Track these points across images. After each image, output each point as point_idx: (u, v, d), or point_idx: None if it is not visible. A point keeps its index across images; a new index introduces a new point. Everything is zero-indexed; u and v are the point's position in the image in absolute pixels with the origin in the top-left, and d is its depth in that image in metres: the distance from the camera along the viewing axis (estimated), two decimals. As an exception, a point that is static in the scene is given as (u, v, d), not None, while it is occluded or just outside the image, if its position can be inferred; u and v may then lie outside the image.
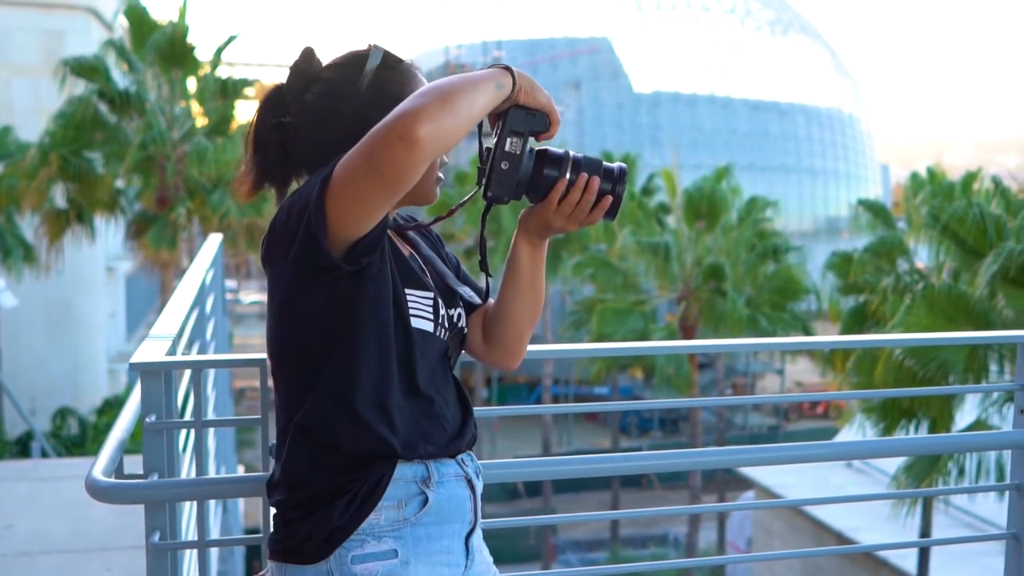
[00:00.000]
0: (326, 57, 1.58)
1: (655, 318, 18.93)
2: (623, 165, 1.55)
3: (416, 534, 1.47)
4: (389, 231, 1.53)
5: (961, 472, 9.13)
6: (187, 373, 2.59)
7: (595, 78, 34.73)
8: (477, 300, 1.70)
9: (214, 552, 4.63)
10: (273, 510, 1.52)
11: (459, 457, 1.55)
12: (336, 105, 1.52)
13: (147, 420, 1.98)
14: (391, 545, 1.45)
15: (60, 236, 14.40)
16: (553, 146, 1.55)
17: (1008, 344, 8.38)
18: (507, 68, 1.44)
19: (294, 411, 1.47)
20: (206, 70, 14.49)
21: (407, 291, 1.50)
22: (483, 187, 1.50)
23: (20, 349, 16.92)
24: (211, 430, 3.79)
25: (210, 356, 3.14)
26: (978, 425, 9.15)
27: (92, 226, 14.69)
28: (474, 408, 1.65)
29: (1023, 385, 2.53)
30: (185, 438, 2.82)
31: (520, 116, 1.47)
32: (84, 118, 13.54)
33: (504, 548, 16.23)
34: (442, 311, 1.56)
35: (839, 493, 11.67)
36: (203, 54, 14.55)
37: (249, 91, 14.43)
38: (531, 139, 1.50)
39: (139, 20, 14.57)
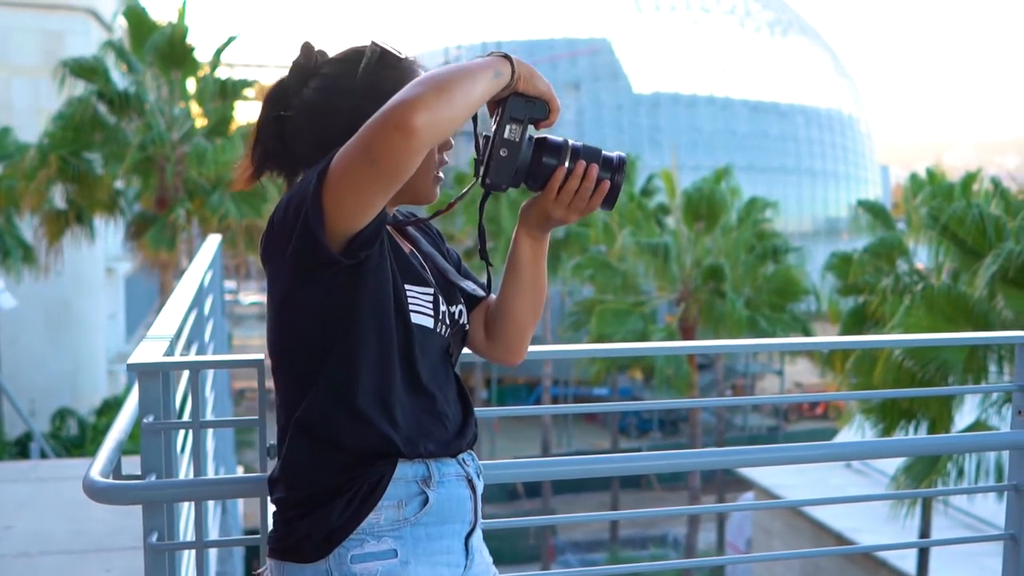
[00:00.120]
0: (327, 54, 1.58)
1: (654, 319, 18.94)
2: (622, 154, 1.55)
3: (416, 534, 1.47)
4: (389, 228, 1.53)
5: (960, 473, 9.14)
6: (185, 374, 2.59)
7: (595, 79, 34.74)
8: (480, 292, 1.69)
9: (213, 553, 4.63)
10: (273, 508, 1.52)
11: (460, 457, 1.55)
12: (334, 100, 1.52)
13: (145, 421, 1.98)
14: (391, 545, 1.44)
15: (59, 237, 14.40)
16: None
17: (1007, 345, 8.36)
18: (506, 56, 1.43)
19: (294, 408, 1.47)
20: (205, 71, 14.48)
21: (407, 287, 1.49)
22: (481, 175, 1.49)
23: (19, 350, 16.91)
24: (210, 431, 3.79)
25: (208, 357, 3.14)
26: (977, 426, 9.15)
27: (91, 227, 14.69)
28: (474, 408, 1.65)
29: (1022, 386, 2.53)
30: (183, 439, 2.82)
31: (520, 103, 1.46)
32: (83, 119, 13.54)
33: (504, 549, 16.22)
34: (442, 307, 1.55)
35: (838, 494, 11.67)
36: (202, 55, 14.57)
37: (248, 92, 14.43)
38: (531, 127, 1.50)
39: (138, 21, 14.57)
